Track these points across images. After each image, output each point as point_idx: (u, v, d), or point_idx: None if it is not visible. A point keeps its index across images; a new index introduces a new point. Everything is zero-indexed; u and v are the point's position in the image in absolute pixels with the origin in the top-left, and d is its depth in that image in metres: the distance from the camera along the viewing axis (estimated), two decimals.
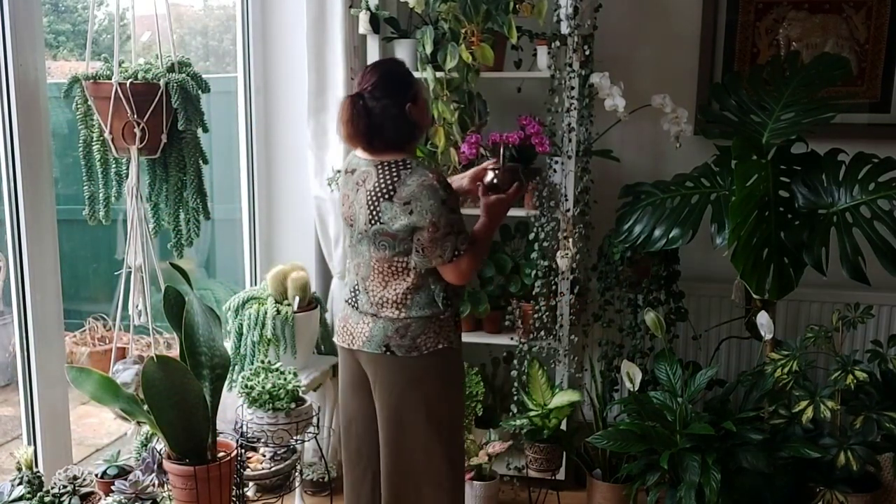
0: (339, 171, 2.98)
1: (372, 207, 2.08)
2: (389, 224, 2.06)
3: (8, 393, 3.06)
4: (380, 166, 2.10)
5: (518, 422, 2.86)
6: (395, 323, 2.14)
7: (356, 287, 2.21)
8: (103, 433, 3.25)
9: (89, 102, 2.03)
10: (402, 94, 2.11)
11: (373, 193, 2.08)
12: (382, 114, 2.08)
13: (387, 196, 2.06)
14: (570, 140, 2.84)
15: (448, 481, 2.22)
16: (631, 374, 2.78)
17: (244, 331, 2.81)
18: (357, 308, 2.21)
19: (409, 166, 2.08)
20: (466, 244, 2.10)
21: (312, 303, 2.97)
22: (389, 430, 2.19)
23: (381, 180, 2.08)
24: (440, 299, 2.15)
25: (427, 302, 2.14)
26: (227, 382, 2.19)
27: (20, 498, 1.94)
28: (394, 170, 2.08)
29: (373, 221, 2.09)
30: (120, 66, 1.99)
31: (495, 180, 2.29)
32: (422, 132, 2.22)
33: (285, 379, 2.46)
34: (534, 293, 2.91)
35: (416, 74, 2.78)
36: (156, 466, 2.09)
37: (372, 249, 2.13)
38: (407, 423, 2.17)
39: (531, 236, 2.89)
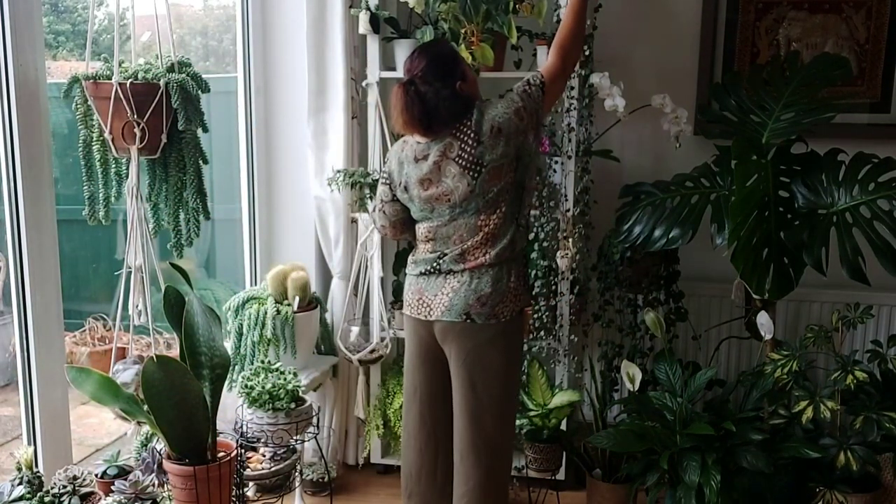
0: (338, 172, 2.98)
1: (469, 165, 2.16)
2: (494, 156, 2.15)
3: (8, 393, 3.05)
4: (455, 131, 2.19)
5: (518, 422, 2.86)
6: (478, 287, 2.20)
7: (444, 253, 2.25)
8: (103, 433, 3.25)
9: (89, 102, 2.03)
10: (451, 75, 2.20)
11: (463, 154, 2.17)
12: (436, 97, 2.17)
13: (477, 143, 2.16)
14: (569, 140, 2.84)
15: (510, 446, 2.36)
16: (631, 374, 2.78)
17: (244, 331, 2.81)
18: (439, 271, 2.25)
19: (469, 115, 2.19)
20: (539, 74, 2.25)
21: (312, 303, 2.97)
22: (467, 392, 2.26)
23: (464, 138, 2.17)
24: (523, 242, 2.31)
25: (517, 251, 2.26)
26: (227, 382, 2.19)
27: (20, 498, 1.94)
28: (467, 125, 2.18)
29: (476, 175, 2.15)
30: (120, 66, 2.00)
31: None
32: (467, 105, 2.25)
33: (285, 379, 2.46)
34: (533, 293, 2.91)
35: None
36: (156, 466, 2.10)
37: (480, 210, 2.20)
38: (483, 387, 2.25)
39: (531, 236, 2.89)
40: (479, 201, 2.19)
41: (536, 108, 2.22)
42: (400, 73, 2.96)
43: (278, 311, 2.82)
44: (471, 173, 2.16)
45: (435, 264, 2.26)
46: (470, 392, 2.25)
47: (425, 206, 2.25)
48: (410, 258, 2.36)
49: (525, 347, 2.93)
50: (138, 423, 2.13)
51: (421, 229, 2.31)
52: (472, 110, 2.20)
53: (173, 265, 2.16)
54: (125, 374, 2.07)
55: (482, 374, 2.24)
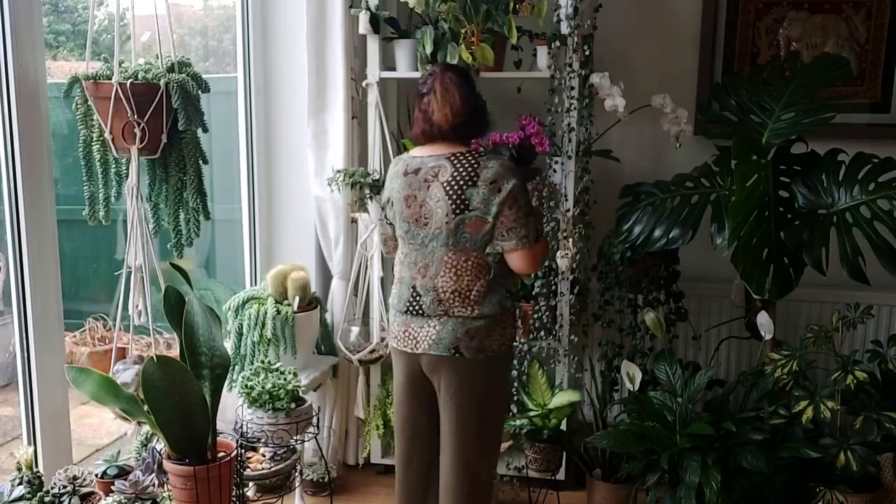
0: (338, 172, 2.98)
1: (455, 197, 2.11)
2: (482, 209, 2.10)
3: (8, 393, 3.05)
4: (453, 157, 2.15)
5: (518, 422, 2.86)
6: (466, 323, 2.17)
7: (417, 290, 2.21)
8: (103, 433, 3.24)
9: (89, 102, 2.03)
10: (475, 89, 2.23)
11: (453, 183, 2.11)
12: (469, 93, 2.18)
13: (471, 182, 2.11)
14: (570, 140, 2.84)
15: (491, 480, 2.34)
16: (631, 374, 2.78)
17: (244, 331, 2.81)
18: (421, 313, 2.21)
19: (483, 154, 2.17)
20: (542, 229, 2.16)
21: (312, 303, 2.97)
22: (454, 426, 2.24)
23: (461, 169, 2.12)
24: (508, 298, 2.22)
25: (498, 300, 2.20)
26: (227, 382, 2.19)
27: (20, 498, 1.94)
28: (471, 158, 2.14)
29: (457, 211, 2.11)
30: (120, 66, 2.00)
31: None
32: (485, 132, 2.29)
33: (285, 379, 2.46)
34: (534, 293, 2.91)
35: (416, 74, 2.79)
36: (156, 466, 2.10)
37: (449, 246, 2.15)
38: (471, 421, 2.23)
39: None
40: (450, 239, 2.14)
41: (520, 230, 2.13)
42: (400, 73, 2.97)
43: (278, 311, 2.82)
44: (453, 206, 2.12)
45: (413, 306, 2.22)
46: (457, 425, 2.23)
47: (403, 224, 2.23)
48: (393, 289, 2.31)
49: (525, 347, 2.94)
50: (138, 423, 2.13)
51: (399, 249, 2.30)
52: (486, 133, 2.23)
53: (173, 265, 2.16)
54: (125, 374, 2.07)
55: (470, 407, 2.22)
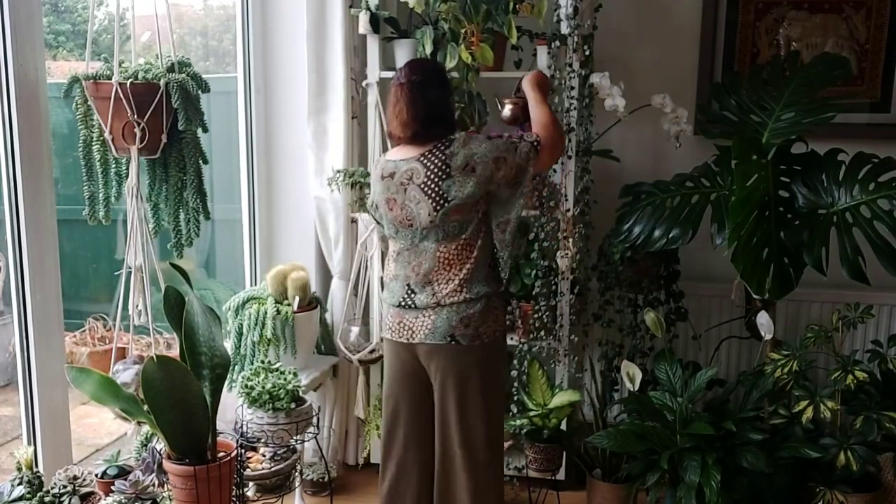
0: (338, 172, 2.99)
1: (433, 194, 2.16)
2: (461, 195, 2.15)
3: (8, 393, 3.06)
4: (422, 158, 2.19)
5: (518, 422, 2.86)
6: (459, 311, 2.21)
7: (412, 288, 2.26)
8: (103, 433, 3.25)
9: (89, 102, 2.03)
10: (446, 87, 2.28)
11: (428, 182, 2.17)
12: (435, 101, 2.22)
13: (445, 175, 2.16)
14: (569, 140, 2.84)
15: (498, 466, 2.36)
16: (631, 374, 2.78)
17: (244, 331, 2.81)
18: (414, 307, 2.26)
19: (447, 142, 2.20)
20: (533, 135, 2.23)
21: (312, 303, 2.97)
22: (451, 414, 2.27)
23: (432, 167, 2.17)
24: (494, 279, 2.28)
25: (484, 277, 2.24)
26: (227, 382, 2.19)
27: (20, 498, 1.94)
28: (437, 153, 2.18)
29: (438, 207, 2.16)
30: (120, 66, 2.00)
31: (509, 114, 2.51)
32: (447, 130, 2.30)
33: (285, 379, 2.46)
34: (534, 293, 2.91)
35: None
36: (156, 466, 2.10)
37: (439, 240, 2.21)
38: (467, 408, 2.26)
39: (531, 236, 2.89)
40: (439, 233, 2.21)
41: (522, 164, 2.20)
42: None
43: (278, 311, 2.82)
44: (433, 203, 2.17)
45: (406, 300, 2.27)
46: (458, 413, 2.26)
47: (391, 226, 2.30)
48: (387, 285, 2.36)
49: (525, 347, 2.94)
50: (138, 423, 2.13)
51: (390, 247, 2.37)
52: (453, 134, 2.22)
53: (173, 265, 2.16)
54: (125, 374, 2.07)
55: (469, 394, 2.25)
